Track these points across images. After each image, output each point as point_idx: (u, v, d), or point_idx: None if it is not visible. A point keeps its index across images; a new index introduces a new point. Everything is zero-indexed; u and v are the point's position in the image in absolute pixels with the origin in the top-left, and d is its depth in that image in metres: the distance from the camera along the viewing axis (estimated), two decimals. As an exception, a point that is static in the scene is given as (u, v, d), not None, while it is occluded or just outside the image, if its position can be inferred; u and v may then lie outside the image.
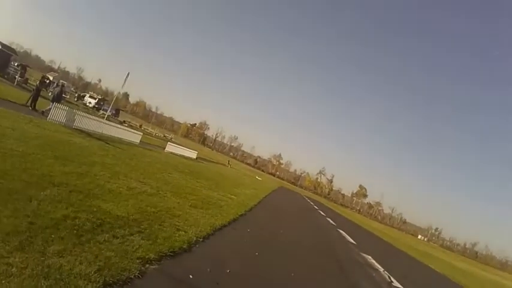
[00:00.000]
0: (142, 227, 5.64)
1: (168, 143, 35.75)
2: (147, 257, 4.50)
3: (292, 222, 16.40)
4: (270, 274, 6.24)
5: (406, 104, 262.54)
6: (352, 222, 43.47)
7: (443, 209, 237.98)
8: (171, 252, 5.06)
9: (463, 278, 22.66)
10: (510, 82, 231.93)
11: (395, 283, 10.00)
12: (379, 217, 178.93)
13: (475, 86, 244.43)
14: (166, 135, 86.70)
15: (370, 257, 13.53)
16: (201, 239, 6.41)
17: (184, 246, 5.54)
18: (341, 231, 20.95)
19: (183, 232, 6.23)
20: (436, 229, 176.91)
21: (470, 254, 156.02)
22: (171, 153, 31.56)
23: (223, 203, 11.96)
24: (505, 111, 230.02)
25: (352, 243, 16.83)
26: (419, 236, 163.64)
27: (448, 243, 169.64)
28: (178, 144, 41.02)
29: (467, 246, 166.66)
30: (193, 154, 40.16)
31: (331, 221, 26.25)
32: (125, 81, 24.24)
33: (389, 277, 10.62)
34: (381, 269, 11.61)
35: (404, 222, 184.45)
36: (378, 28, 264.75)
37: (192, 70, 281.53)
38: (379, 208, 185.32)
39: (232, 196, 15.25)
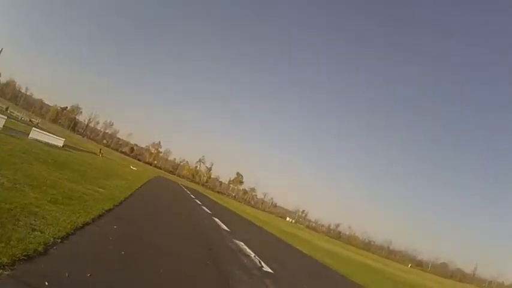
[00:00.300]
0: (-6, 227, 4.94)
1: (33, 128, 32.46)
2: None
3: (166, 215, 16.06)
4: (137, 274, 5.92)
5: (271, 92, 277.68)
6: (227, 209, 44.54)
7: (309, 193, 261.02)
8: (24, 256, 4.45)
9: (328, 258, 24.85)
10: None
11: (265, 267, 10.46)
12: (253, 202, 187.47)
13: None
14: (32, 119, 78.67)
15: (242, 243, 13.93)
16: (60, 240, 5.74)
17: (40, 249, 4.91)
18: (216, 219, 21.28)
19: (39, 232, 5.52)
20: (303, 211, 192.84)
21: (334, 234, 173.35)
22: (36, 140, 28.65)
23: (88, 198, 10.99)
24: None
25: (227, 230, 17.21)
26: (288, 218, 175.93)
27: (314, 224, 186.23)
28: (44, 130, 37.49)
29: (331, 227, 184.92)
30: (59, 142, 36.69)
31: (207, 210, 26.51)
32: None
33: (259, 262, 11.06)
34: (252, 254, 12.03)
35: (275, 206, 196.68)
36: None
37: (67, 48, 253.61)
38: (253, 194, 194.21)
39: (100, 189, 14.18)
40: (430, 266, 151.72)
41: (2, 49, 21.40)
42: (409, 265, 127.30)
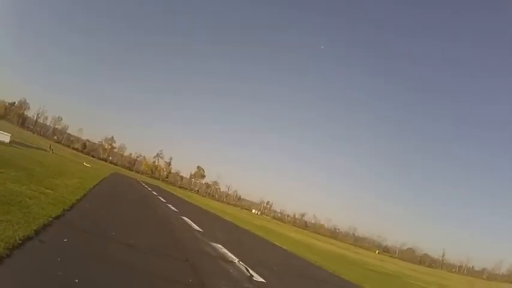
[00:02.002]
0: None
1: None
2: None
3: (128, 217, 13.63)
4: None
5: (235, 85, 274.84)
6: (193, 205, 42.38)
7: (272, 184, 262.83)
8: None
9: (309, 253, 23.30)
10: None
11: (256, 276, 8.56)
12: (217, 195, 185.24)
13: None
14: None
15: (220, 246, 11.96)
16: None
17: None
18: (185, 218, 19.05)
19: None
20: (268, 202, 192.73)
21: (301, 223, 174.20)
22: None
23: (32, 202, 8.62)
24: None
25: (199, 230, 15.07)
26: (254, 210, 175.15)
27: (279, 214, 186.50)
28: None
29: (296, 216, 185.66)
30: (5, 137, 32.93)
31: (172, 208, 24.13)
32: None
33: (246, 269, 9.20)
34: (236, 260, 10.11)
35: (239, 198, 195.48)
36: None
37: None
38: (216, 187, 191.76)
39: (48, 190, 11.63)
40: (397, 252, 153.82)
41: None
42: (377, 251, 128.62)
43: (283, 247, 21.54)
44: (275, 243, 22.74)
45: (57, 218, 7.96)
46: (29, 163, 19.91)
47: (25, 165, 17.36)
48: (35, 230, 6.14)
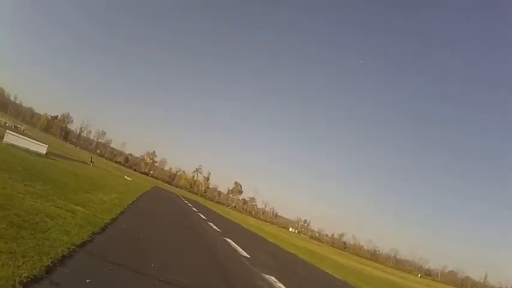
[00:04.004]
0: None
1: (7, 131, 29.30)
2: None
3: (169, 241, 11.99)
4: None
5: (268, 102, 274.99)
6: (233, 223, 40.81)
7: (310, 202, 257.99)
8: None
9: (365, 283, 21.21)
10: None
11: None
12: (253, 212, 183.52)
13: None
14: (18, 126, 77.62)
15: (274, 279, 10.03)
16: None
17: None
18: (228, 240, 17.30)
19: None
20: (305, 221, 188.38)
21: (339, 244, 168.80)
22: (12, 145, 25.89)
23: (53, 223, 7.03)
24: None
25: (246, 257, 13.23)
26: (291, 229, 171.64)
27: (317, 234, 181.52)
28: (27, 136, 34.31)
29: (335, 236, 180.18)
30: (42, 148, 32.83)
31: (214, 227, 22.53)
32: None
33: None
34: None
35: (276, 215, 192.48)
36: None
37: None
38: (253, 204, 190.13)
39: (78, 207, 10.11)
40: (439, 275, 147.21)
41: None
42: (419, 275, 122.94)
43: (336, 276, 19.43)
44: (326, 271, 20.62)
45: (82, 245, 6.37)
46: (62, 176, 18.84)
47: (57, 178, 16.19)
48: (47, 266, 4.53)
